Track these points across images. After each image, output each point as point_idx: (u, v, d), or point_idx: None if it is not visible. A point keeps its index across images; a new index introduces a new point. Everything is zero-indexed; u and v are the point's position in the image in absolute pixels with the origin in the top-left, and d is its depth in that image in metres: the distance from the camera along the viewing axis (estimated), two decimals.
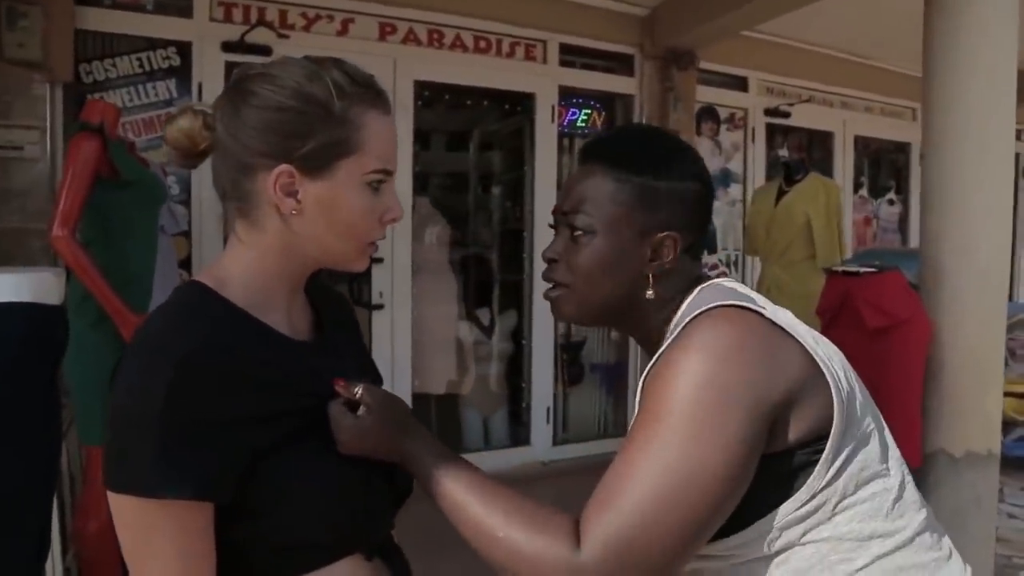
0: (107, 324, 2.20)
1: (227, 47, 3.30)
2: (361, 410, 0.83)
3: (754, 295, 0.88)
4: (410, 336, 3.92)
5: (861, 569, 0.79)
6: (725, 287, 0.89)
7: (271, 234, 0.82)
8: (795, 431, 0.79)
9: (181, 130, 0.83)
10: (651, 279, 0.91)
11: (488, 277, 4.96)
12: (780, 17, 3.95)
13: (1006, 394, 2.71)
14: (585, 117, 4.54)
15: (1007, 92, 2.56)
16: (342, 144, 0.79)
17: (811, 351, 0.81)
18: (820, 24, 4.44)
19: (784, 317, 0.84)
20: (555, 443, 4.43)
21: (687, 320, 0.85)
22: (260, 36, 3.31)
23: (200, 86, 3.27)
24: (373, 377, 0.97)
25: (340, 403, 0.84)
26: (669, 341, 0.86)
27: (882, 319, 2.40)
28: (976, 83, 2.52)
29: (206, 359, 0.73)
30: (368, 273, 3.72)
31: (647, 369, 0.86)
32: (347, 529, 0.81)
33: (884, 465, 0.84)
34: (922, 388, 2.48)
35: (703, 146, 4.78)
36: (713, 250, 4.92)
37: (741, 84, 4.93)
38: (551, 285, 0.96)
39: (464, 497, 0.81)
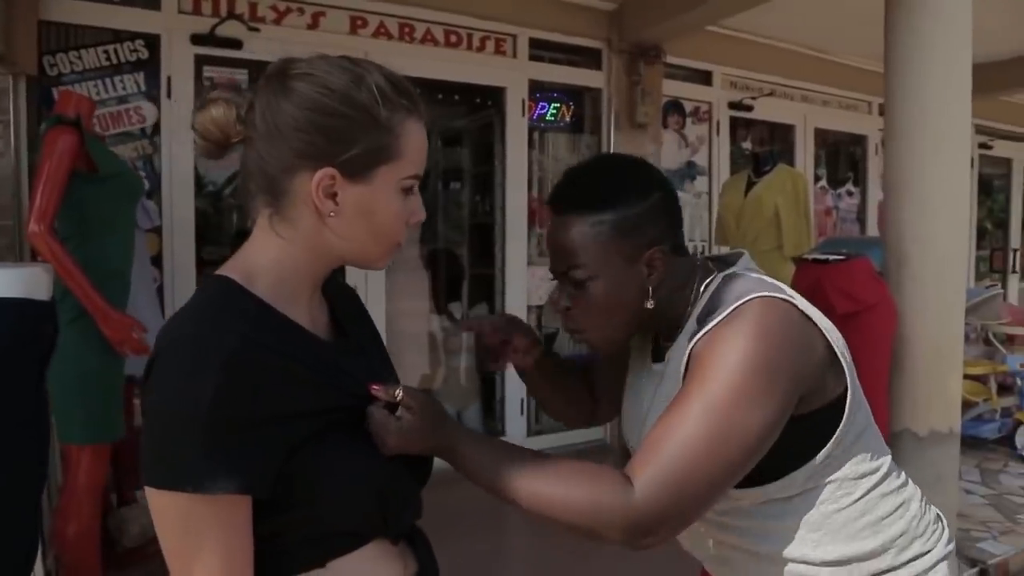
0: (85, 321, 2.16)
1: (196, 40, 3.25)
2: (401, 411, 0.85)
3: (781, 285, 0.98)
4: (384, 331, 3.91)
5: (859, 499, 0.99)
6: (756, 278, 0.98)
7: (304, 231, 0.82)
8: (817, 401, 0.95)
9: (215, 120, 0.81)
10: (650, 291, 1.00)
11: (460, 271, 4.98)
12: (743, 13, 4.04)
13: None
14: (554, 111, 4.58)
15: (963, 86, 2.67)
16: (384, 151, 0.80)
17: (828, 337, 0.96)
18: (781, 20, 4.54)
19: (808, 306, 0.96)
20: (529, 434, 4.48)
21: (734, 306, 0.93)
22: (230, 29, 3.27)
23: (169, 80, 3.22)
24: (391, 371, 0.99)
25: (380, 407, 0.84)
26: (719, 320, 0.93)
27: (851, 305, 2.50)
28: (935, 77, 2.62)
29: (249, 358, 0.73)
30: (341, 269, 3.70)
31: (692, 345, 0.95)
32: (377, 517, 0.82)
33: (869, 421, 1.03)
34: (889, 370, 2.58)
35: (669, 139, 4.87)
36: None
37: (706, 78, 5.02)
38: (570, 331, 1.05)
39: (516, 473, 0.87)
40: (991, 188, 7.40)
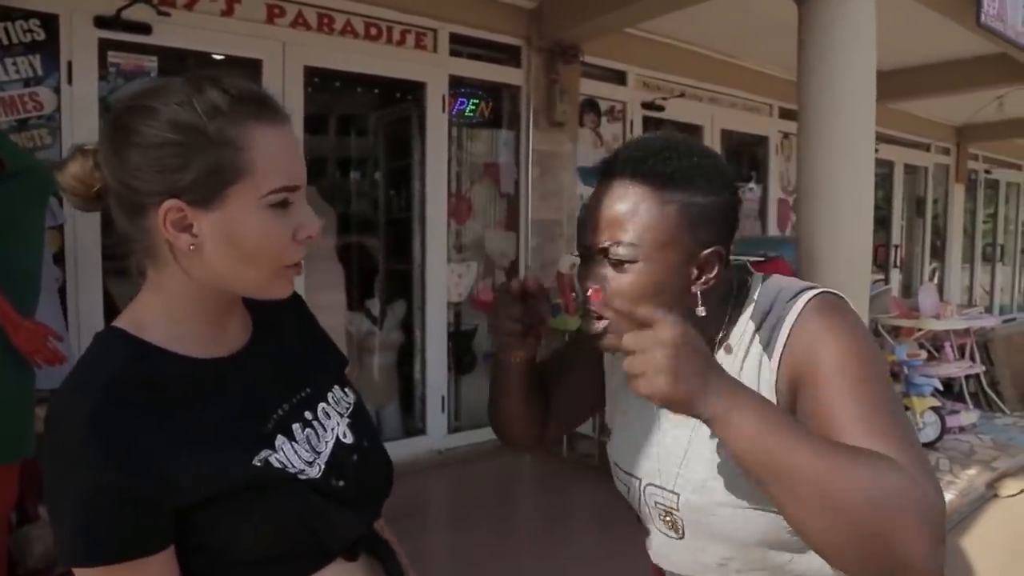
0: None
1: (101, 22, 3.04)
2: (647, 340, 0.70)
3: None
4: None
5: None
6: (791, 278, 0.95)
7: (176, 272, 0.78)
8: None
9: (74, 175, 0.79)
10: (700, 297, 0.87)
11: (377, 267, 4.90)
12: (658, 16, 4.16)
13: None
14: (473, 106, 4.57)
15: (869, 96, 2.86)
16: (226, 169, 0.74)
17: None
18: (693, 25, 4.71)
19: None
20: (450, 431, 4.47)
21: (793, 319, 0.86)
22: (139, 13, 3.07)
23: (70, 65, 3.00)
24: (324, 374, 0.95)
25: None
26: (786, 334, 0.86)
27: None
28: (844, 89, 2.80)
29: (109, 420, 0.70)
30: None
31: (777, 355, 0.86)
32: (310, 544, 0.80)
33: None
34: None
35: (585, 137, 4.96)
36: None
37: (620, 78, 5.14)
38: (596, 317, 0.90)
39: (809, 443, 0.70)
40: (875, 188, 7.93)
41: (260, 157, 0.75)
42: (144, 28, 3.11)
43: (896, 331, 5.08)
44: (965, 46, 5.15)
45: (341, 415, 0.91)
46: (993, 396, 5.66)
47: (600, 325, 0.89)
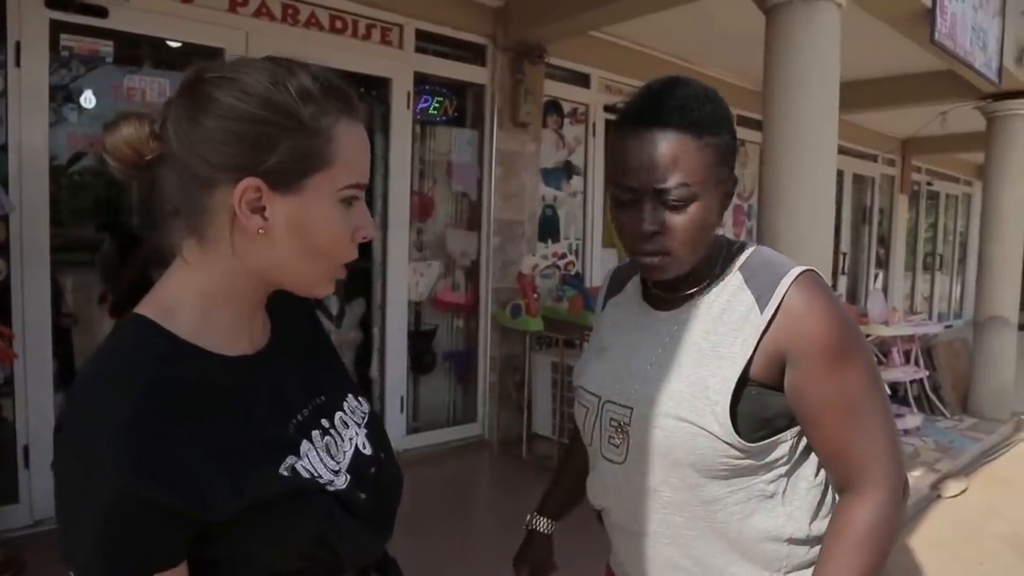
0: None
1: (53, 3, 2.91)
2: None
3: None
4: None
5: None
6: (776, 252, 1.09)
7: (229, 255, 0.75)
8: None
9: (126, 140, 0.73)
10: (720, 221, 1.04)
11: None
12: (623, 20, 4.19)
13: None
14: (437, 104, 4.53)
15: (832, 106, 2.93)
16: (313, 156, 0.73)
17: None
18: (657, 30, 4.77)
19: None
20: (408, 432, 4.42)
21: (790, 281, 0.97)
22: None
23: (18, 46, 2.87)
24: (337, 381, 0.92)
25: None
26: (781, 294, 0.97)
27: None
28: (808, 100, 2.86)
29: (147, 425, 0.65)
30: None
31: (770, 311, 0.97)
32: (327, 563, 0.78)
33: None
34: None
35: (548, 138, 4.97)
36: (557, 238, 5.13)
37: (584, 80, 5.16)
38: (651, 252, 1.00)
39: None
40: None
41: (343, 150, 0.74)
42: (100, 11, 2.99)
43: None
44: (912, 61, 5.34)
45: (359, 424, 0.89)
46: (935, 400, 5.87)
47: (656, 260, 1.00)
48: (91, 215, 4.23)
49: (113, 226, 4.17)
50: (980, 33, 4.49)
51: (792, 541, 1.01)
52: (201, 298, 0.75)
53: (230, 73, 0.72)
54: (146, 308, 0.74)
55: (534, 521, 1.35)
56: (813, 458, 1.04)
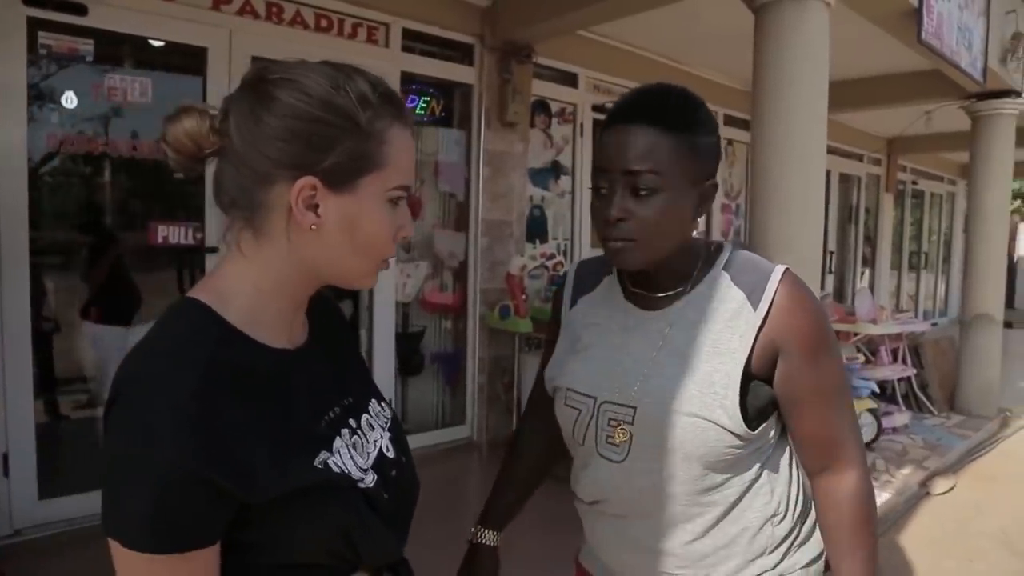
0: None
1: (30, 0, 2.85)
2: None
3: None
4: None
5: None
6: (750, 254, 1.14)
7: (283, 249, 0.78)
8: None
9: (188, 132, 0.75)
10: (696, 221, 1.07)
11: None
12: (611, 20, 4.17)
13: None
14: (424, 105, 4.50)
15: (821, 105, 2.92)
16: (368, 158, 0.77)
17: None
18: (644, 30, 4.76)
19: None
20: None
21: (777, 279, 1.03)
22: None
23: None
24: (363, 386, 0.94)
25: None
26: (772, 291, 1.02)
27: None
28: (798, 101, 2.85)
29: (208, 407, 0.68)
30: (202, 265, 3.43)
31: (764, 308, 1.02)
32: (345, 559, 0.80)
33: None
34: None
35: (536, 138, 4.95)
36: (545, 239, 5.11)
37: (571, 80, 5.14)
38: (616, 239, 1.03)
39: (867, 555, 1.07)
40: None
41: (394, 153, 0.78)
42: (80, 9, 2.94)
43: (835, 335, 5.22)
44: (898, 61, 5.36)
45: (383, 428, 0.91)
46: (923, 398, 5.90)
47: (620, 245, 1.02)
48: (73, 217, 4.15)
49: (90, 227, 4.09)
50: (966, 33, 4.51)
51: (777, 518, 1.08)
52: (255, 289, 0.78)
53: (291, 74, 0.75)
54: (201, 293, 0.77)
55: (479, 534, 1.31)
56: (785, 441, 1.12)
